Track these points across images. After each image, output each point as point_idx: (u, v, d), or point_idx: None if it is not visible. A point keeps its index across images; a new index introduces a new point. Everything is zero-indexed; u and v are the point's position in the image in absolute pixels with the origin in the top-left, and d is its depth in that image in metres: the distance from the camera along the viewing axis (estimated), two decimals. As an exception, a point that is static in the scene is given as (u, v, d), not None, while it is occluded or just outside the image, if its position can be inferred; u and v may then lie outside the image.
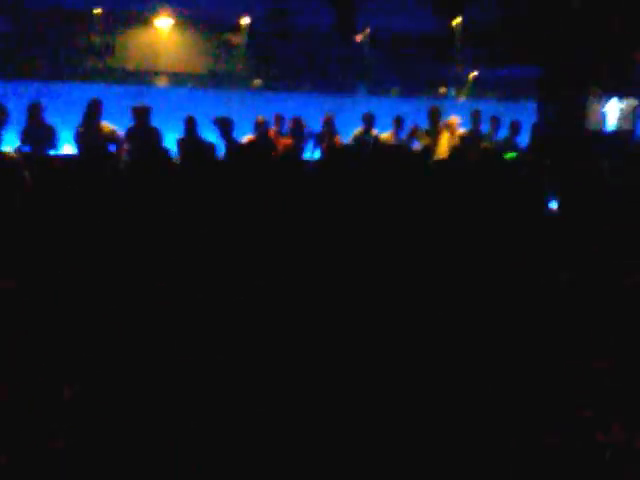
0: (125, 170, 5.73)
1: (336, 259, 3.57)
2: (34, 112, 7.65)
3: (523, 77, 11.45)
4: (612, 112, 11.48)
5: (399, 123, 8.74)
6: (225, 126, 7.26)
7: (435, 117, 8.42)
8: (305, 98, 9.96)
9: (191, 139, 7.16)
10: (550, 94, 9.93)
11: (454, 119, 8.46)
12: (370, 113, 9.00)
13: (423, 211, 4.08)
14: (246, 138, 8.07)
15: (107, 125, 7.55)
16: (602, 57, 10.27)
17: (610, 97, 11.38)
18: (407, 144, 8.54)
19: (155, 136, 7.44)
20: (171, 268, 3.41)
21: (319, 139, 8.79)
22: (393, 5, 10.16)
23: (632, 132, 10.80)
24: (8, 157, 5.55)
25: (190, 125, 7.45)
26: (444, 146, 8.03)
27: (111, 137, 7.72)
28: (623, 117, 11.45)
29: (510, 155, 6.62)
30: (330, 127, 8.75)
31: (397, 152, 6.38)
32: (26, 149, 7.67)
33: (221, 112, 7.76)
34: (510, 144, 8.15)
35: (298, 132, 8.50)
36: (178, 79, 11.33)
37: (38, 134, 7.82)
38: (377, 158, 5.71)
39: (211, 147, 5.64)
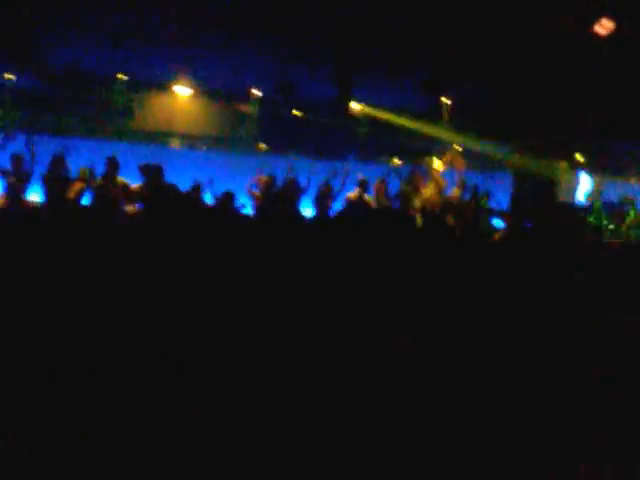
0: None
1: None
2: (56, 163, 8.80)
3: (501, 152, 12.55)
4: (583, 185, 12.48)
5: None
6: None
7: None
8: (303, 162, 10.93)
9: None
10: (522, 169, 11.03)
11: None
12: (364, 179, 10.12)
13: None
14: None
15: (122, 180, 8.76)
16: (573, 136, 11.43)
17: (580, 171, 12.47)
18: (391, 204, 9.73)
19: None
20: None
21: (316, 200, 9.79)
22: (386, 83, 11.35)
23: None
24: None
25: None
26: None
27: (124, 190, 8.88)
28: (593, 190, 12.46)
29: None
30: (327, 189, 9.79)
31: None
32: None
33: (228, 172, 8.71)
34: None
35: (292, 191, 9.47)
36: (191, 142, 12.28)
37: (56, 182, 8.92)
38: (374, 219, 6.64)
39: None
